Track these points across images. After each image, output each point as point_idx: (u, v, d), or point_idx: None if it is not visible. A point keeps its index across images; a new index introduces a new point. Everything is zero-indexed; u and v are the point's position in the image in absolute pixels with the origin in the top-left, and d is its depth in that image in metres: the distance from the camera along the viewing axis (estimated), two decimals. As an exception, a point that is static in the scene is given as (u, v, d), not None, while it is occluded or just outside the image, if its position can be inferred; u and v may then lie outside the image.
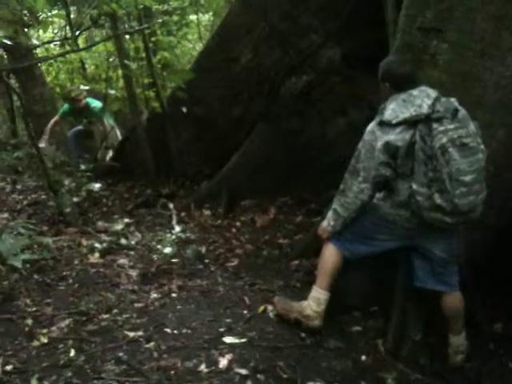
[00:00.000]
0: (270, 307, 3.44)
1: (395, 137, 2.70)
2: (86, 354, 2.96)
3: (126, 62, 5.87)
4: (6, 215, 5.56)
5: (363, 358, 2.97)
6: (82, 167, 5.75)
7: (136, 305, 3.55)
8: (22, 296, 3.69)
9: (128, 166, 6.39)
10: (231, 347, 3.01)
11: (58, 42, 9.12)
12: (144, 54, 6.30)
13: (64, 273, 4.09)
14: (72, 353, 2.97)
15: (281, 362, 2.87)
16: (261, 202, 5.40)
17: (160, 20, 7.82)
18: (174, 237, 4.44)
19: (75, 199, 5.39)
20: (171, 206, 5.55)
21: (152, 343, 3.06)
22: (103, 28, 8.36)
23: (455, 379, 2.85)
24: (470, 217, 2.68)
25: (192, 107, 5.85)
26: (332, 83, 5.29)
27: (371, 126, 2.83)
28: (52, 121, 7.09)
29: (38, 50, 9.20)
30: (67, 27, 9.09)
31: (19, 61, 7.58)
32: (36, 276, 4.03)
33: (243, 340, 3.08)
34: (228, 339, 3.09)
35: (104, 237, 4.73)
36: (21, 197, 6.30)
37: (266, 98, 5.62)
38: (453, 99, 2.72)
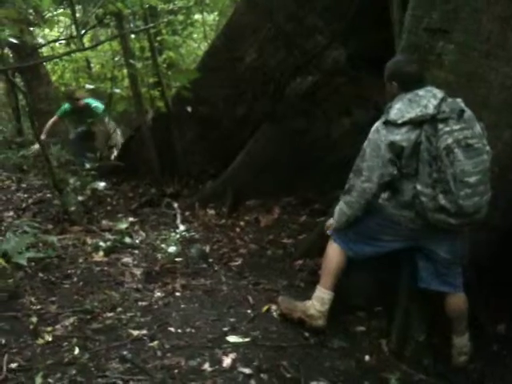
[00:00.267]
0: (273, 307, 3.44)
1: (400, 137, 2.70)
2: (90, 352, 2.97)
3: (131, 61, 5.88)
4: (11, 213, 5.59)
5: (367, 358, 2.97)
6: (87, 166, 5.75)
7: (140, 303, 3.56)
8: (27, 294, 3.70)
9: (133, 165, 6.40)
10: (235, 346, 3.01)
11: (64, 41, 9.18)
12: (149, 54, 6.32)
13: (69, 271, 4.11)
14: (76, 351, 2.98)
15: (284, 361, 2.87)
16: (265, 201, 5.41)
17: (165, 19, 7.84)
18: (178, 236, 4.45)
19: (80, 198, 5.40)
20: (175, 205, 5.56)
21: (156, 342, 3.07)
22: (109, 27, 8.39)
23: (458, 380, 2.85)
24: (474, 218, 2.67)
25: (197, 107, 5.86)
26: (337, 84, 5.29)
27: (376, 125, 2.82)
28: (50, 121, 7.08)
29: (44, 49, 9.23)
30: (73, 26, 9.14)
31: (25, 60, 7.61)
32: (41, 274, 4.05)
33: (247, 339, 3.08)
34: (232, 338, 3.10)
35: (108, 235, 4.74)
36: (26, 195, 6.32)
37: (271, 98, 5.62)
38: (459, 100, 2.72)
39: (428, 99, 2.68)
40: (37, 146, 6.30)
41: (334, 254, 3.12)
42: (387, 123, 2.75)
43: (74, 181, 5.46)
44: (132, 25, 7.47)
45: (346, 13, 5.16)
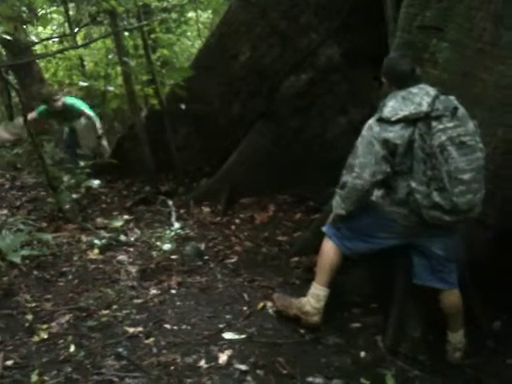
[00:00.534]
0: (269, 304, 3.45)
1: (394, 134, 2.70)
2: (85, 349, 2.98)
3: (124, 59, 5.87)
4: (5, 211, 5.57)
5: (362, 354, 2.98)
6: (81, 164, 5.74)
7: (135, 301, 3.56)
8: (22, 292, 3.70)
9: (127, 162, 6.39)
10: (231, 343, 3.02)
11: (57, 39, 9.14)
12: (143, 51, 6.30)
13: (64, 269, 4.11)
14: (72, 348, 2.99)
15: (280, 357, 2.88)
16: (260, 199, 5.42)
17: (159, 17, 7.83)
18: (173, 233, 4.46)
19: (74, 196, 5.40)
20: (170, 203, 5.56)
21: (152, 339, 3.08)
22: (102, 25, 8.37)
23: (454, 376, 2.86)
24: (468, 215, 2.68)
25: (191, 105, 5.85)
26: (332, 82, 5.30)
27: (370, 122, 2.83)
28: (29, 116, 6.88)
29: (37, 47, 9.20)
30: (66, 24, 9.12)
31: (18, 57, 7.58)
32: (36, 272, 4.05)
33: (243, 336, 3.10)
34: (227, 335, 3.11)
35: (103, 233, 4.74)
36: (20, 193, 6.31)
37: (266, 96, 5.63)
38: (452, 97, 2.72)
39: (421, 97, 2.68)
40: (20, 120, 6.15)
41: (329, 251, 3.13)
42: (381, 120, 2.76)
43: (68, 179, 5.44)
44: (126, 23, 7.45)
45: (341, 11, 5.18)
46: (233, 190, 5.44)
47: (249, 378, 2.71)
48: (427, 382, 2.77)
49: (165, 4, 8.55)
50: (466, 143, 2.60)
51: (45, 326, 3.23)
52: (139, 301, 3.57)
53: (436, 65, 3.18)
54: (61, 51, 7.63)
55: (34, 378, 2.68)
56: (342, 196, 2.96)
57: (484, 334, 3.15)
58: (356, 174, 2.82)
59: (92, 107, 6.94)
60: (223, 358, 2.87)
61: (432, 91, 2.71)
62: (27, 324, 3.26)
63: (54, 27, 10.43)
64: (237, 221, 5.11)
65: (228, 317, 3.34)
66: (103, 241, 4.52)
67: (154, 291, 3.72)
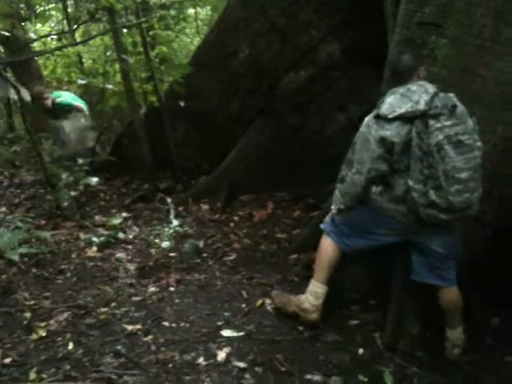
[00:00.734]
0: (267, 301, 3.45)
1: (391, 132, 2.68)
2: (84, 347, 2.98)
3: (123, 56, 5.85)
4: (3, 209, 5.58)
5: (360, 351, 2.98)
6: (80, 161, 5.73)
7: (134, 298, 3.56)
8: (21, 289, 3.70)
9: (126, 160, 6.39)
10: (229, 340, 3.03)
11: (56, 36, 9.12)
12: (142, 48, 6.29)
13: (62, 266, 4.11)
14: (70, 346, 2.99)
15: (279, 355, 2.89)
16: (259, 196, 5.42)
17: (158, 14, 7.81)
18: (171, 231, 4.45)
19: (73, 193, 5.39)
20: (169, 200, 5.55)
21: (150, 336, 3.08)
22: (101, 22, 8.35)
23: (452, 372, 2.86)
24: (465, 214, 2.66)
25: (190, 102, 5.84)
26: (331, 78, 5.29)
27: (368, 118, 2.82)
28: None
29: (35, 44, 9.17)
30: (65, 21, 9.11)
31: (16, 54, 7.55)
32: (34, 270, 4.05)
33: (241, 333, 3.10)
34: (226, 332, 3.11)
35: (102, 231, 4.73)
36: (18, 191, 6.31)
37: (265, 93, 5.62)
38: (451, 94, 2.70)
39: (420, 94, 2.65)
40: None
41: (327, 248, 3.13)
42: (378, 117, 2.75)
43: (66, 176, 5.43)
44: (124, 19, 7.44)
45: (341, 7, 5.17)
46: (231, 187, 5.43)
47: (247, 375, 2.71)
48: (425, 378, 2.77)
49: (163, 1, 8.52)
50: (464, 142, 2.58)
51: (43, 324, 3.23)
52: (138, 298, 3.57)
53: (435, 61, 3.17)
54: (59, 48, 7.62)
55: (33, 375, 2.68)
56: (341, 191, 2.97)
57: (482, 331, 3.15)
58: (355, 170, 2.82)
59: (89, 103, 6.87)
60: (222, 355, 2.87)
61: (431, 89, 2.69)
62: (25, 322, 3.26)
63: (53, 24, 10.41)
64: (235, 218, 5.11)
65: (226, 314, 3.35)
66: (101, 238, 4.52)
67: (152, 289, 3.72)
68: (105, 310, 3.40)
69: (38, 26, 9.50)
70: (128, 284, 3.78)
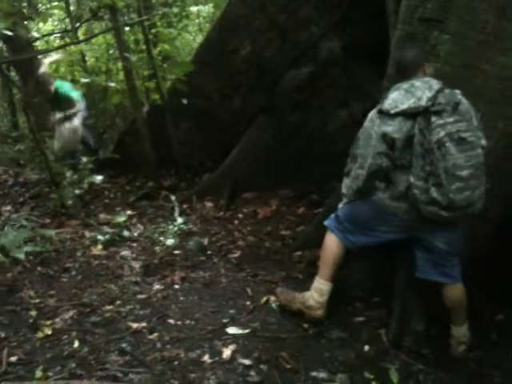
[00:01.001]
0: (272, 298, 3.46)
1: (392, 128, 2.68)
2: (89, 345, 2.99)
3: (125, 54, 5.85)
4: (8, 208, 5.59)
5: (366, 348, 2.98)
6: (84, 160, 5.74)
7: (139, 296, 3.57)
8: (26, 288, 3.72)
9: (129, 158, 6.39)
10: (234, 338, 3.03)
11: (58, 35, 9.13)
12: (144, 46, 6.29)
13: (67, 265, 4.13)
14: (76, 344, 3.00)
15: (284, 352, 2.89)
16: (263, 194, 5.41)
17: (160, 12, 7.80)
18: (176, 229, 4.46)
19: (77, 191, 5.41)
20: (173, 198, 5.55)
21: (155, 334, 3.09)
22: (103, 20, 8.34)
23: (457, 369, 2.86)
24: (467, 212, 2.64)
25: (192, 99, 5.84)
26: (332, 75, 5.28)
27: (371, 113, 2.81)
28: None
29: (38, 43, 9.17)
30: (67, 19, 9.11)
31: (19, 53, 7.56)
32: (39, 268, 4.07)
33: (246, 331, 3.10)
34: (231, 330, 3.12)
35: (106, 229, 4.75)
36: (23, 189, 6.33)
37: (266, 90, 5.61)
38: (457, 91, 2.68)
39: (423, 91, 2.64)
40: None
41: (331, 245, 3.12)
42: (381, 113, 2.74)
43: (70, 174, 5.45)
44: (126, 17, 7.44)
45: (341, 4, 5.16)
46: (235, 184, 5.43)
47: (252, 372, 2.71)
48: (431, 375, 2.76)
49: (165, -2, 8.54)
50: (466, 139, 2.56)
51: (48, 322, 3.25)
52: (143, 296, 3.58)
53: (437, 57, 3.16)
54: (62, 47, 7.62)
55: (38, 373, 2.69)
56: (346, 184, 3.00)
57: (487, 328, 3.14)
58: (358, 164, 2.84)
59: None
60: (227, 352, 2.88)
61: (436, 85, 2.67)
62: (31, 320, 3.27)
63: (56, 23, 10.42)
64: (240, 215, 5.11)
65: (231, 312, 3.35)
66: (106, 236, 4.53)
67: (157, 286, 3.73)
68: (110, 307, 3.41)
69: (41, 24, 9.51)
70: (133, 282, 3.79)
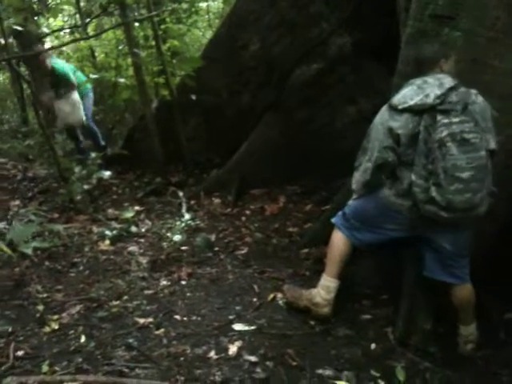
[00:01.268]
0: (279, 295, 3.45)
1: (399, 124, 2.65)
2: (96, 340, 3.00)
3: (135, 50, 5.86)
4: (17, 202, 5.62)
5: (373, 346, 2.97)
6: (92, 155, 5.76)
7: (146, 292, 3.58)
8: (33, 282, 3.73)
9: (138, 153, 6.41)
10: (241, 334, 3.03)
11: (68, 30, 9.15)
12: (153, 42, 6.29)
13: (75, 260, 4.14)
14: (82, 339, 3.01)
15: (290, 349, 2.88)
16: (270, 190, 5.41)
17: (169, 7, 7.81)
18: (183, 225, 4.46)
19: (86, 187, 5.42)
20: (181, 194, 5.56)
21: (162, 330, 3.09)
22: (113, 16, 8.36)
23: (465, 368, 2.84)
24: (469, 215, 2.59)
25: (201, 95, 5.84)
26: (342, 72, 5.26)
27: (384, 107, 2.79)
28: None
29: (48, 38, 9.20)
30: (77, 15, 9.13)
31: (29, 49, 7.58)
32: (47, 263, 4.08)
33: (252, 327, 3.10)
34: (237, 326, 3.11)
35: (114, 224, 4.76)
36: (32, 184, 6.35)
37: (275, 86, 5.60)
38: (473, 91, 2.63)
39: (432, 88, 2.60)
40: None
41: (338, 242, 3.11)
42: (390, 107, 2.72)
43: (79, 170, 5.47)
44: (136, 13, 7.45)
45: (351, 0, 5.12)
46: (243, 180, 5.43)
47: (258, 369, 2.71)
48: (438, 374, 2.74)
49: (175, -6, 8.53)
50: (469, 141, 2.49)
51: (56, 317, 3.26)
52: (149, 292, 3.58)
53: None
54: (72, 42, 7.63)
55: (45, 368, 2.70)
56: (355, 177, 2.98)
57: (495, 326, 3.12)
58: (368, 158, 2.83)
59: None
60: (233, 349, 2.88)
61: (448, 83, 2.62)
62: (38, 315, 3.29)
63: (65, 18, 10.45)
64: (247, 212, 5.11)
65: (238, 308, 3.35)
66: (114, 232, 4.54)
67: (164, 282, 3.73)
68: (117, 303, 3.41)
69: (51, 20, 9.53)
70: (140, 277, 3.80)
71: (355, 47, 5.21)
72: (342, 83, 5.32)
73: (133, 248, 4.33)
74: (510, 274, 3.08)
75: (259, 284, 3.67)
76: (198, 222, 4.75)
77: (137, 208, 5.29)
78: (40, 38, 7.61)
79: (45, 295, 3.54)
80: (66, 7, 9.36)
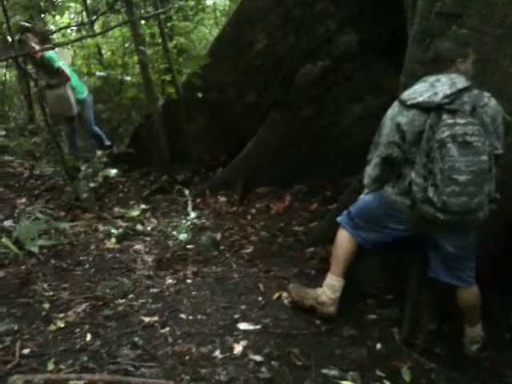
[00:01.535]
0: (284, 294, 3.44)
1: (405, 120, 2.63)
2: (101, 338, 3.00)
3: (141, 47, 5.86)
4: (23, 200, 5.63)
5: (378, 346, 2.96)
6: (99, 153, 5.76)
7: (151, 290, 3.58)
8: (39, 280, 3.74)
9: (144, 151, 6.41)
10: (246, 333, 3.02)
11: (75, 28, 9.17)
12: (160, 40, 6.29)
13: (81, 258, 4.15)
14: (88, 337, 3.01)
15: (295, 348, 2.88)
16: (276, 189, 5.39)
17: (176, 5, 7.80)
18: (189, 223, 4.46)
19: (92, 185, 5.44)
20: (187, 192, 5.56)
21: (167, 328, 3.09)
22: (119, 13, 8.36)
23: (470, 368, 2.83)
24: (466, 218, 2.56)
25: (207, 93, 5.84)
26: (348, 70, 5.24)
27: (396, 101, 2.77)
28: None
29: (55, 36, 9.22)
30: (84, 13, 9.14)
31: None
32: (53, 261, 4.09)
33: (258, 327, 3.09)
34: (243, 326, 3.11)
35: (120, 222, 4.77)
36: (38, 182, 6.37)
37: (281, 84, 5.58)
38: (486, 94, 2.61)
39: (443, 86, 2.57)
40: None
41: (344, 241, 3.11)
42: (400, 102, 2.71)
43: (85, 168, 5.49)
44: (142, 11, 7.45)
45: (358, -3, 5.10)
46: (248, 179, 5.42)
47: (263, 368, 2.70)
48: (443, 374, 2.74)
49: (182, -9, 8.51)
50: (471, 144, 2.45)
51: (61, 315, 3.26)
52: (155, 290, 3.59)
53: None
54: (78, 39, 7.65)
55: (51, 366, 2.71)
56: (366, 172, 2.98)
57: (500, 327, 3.11)
58: (378, 152, 2.82)
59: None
60: (238, 348, 2.87)
61: (461, 83, 2.58)
62: (44, 313, 3.30)
63: (72, 16, 10.46)
64: (252, 210, 5.10)
65: (243, 307, 3.34)
66: (120, 230, 4.55)
67: (169, 281, 3.73)
68: (122, 301, 3.42)
69: (58, 17, 9.55)
70: (145, 276, 3.80)
71: (361, 45, 5.18)
72: (348, 81, 5.29)
73: (138, 246, 4.34)
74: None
75: (264, 283, 3.66)
76: (203, 221, 4.74)
77: (143, 206, 5.30)
78: (47, 36, 7.62)
79: (51, 293, 3.55)
80: (72, 5, 9.36)
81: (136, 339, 2.97)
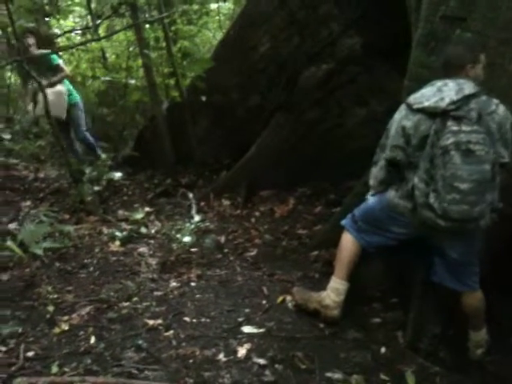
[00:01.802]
0: (288, 297, 3.44)
1: (410, 124, 2.63)
2: (105, 341, 3.00)
3: (145, 51, 5.87)
4: (28, 203, 5.65)
5: (382, 349, 2.95)
6: (103, 156, 5.78)
7: (155, 293, 3.58)
8: (44, 283, 3.75)
9: (148, 155, 6.43)
10: (250, 337, 3.02)
11: (79, 31, 9.19)
12: (164, 43, 6.30)
13: (85, 261, 4.16)
14: (92, 340, 3.02)
15: (299, 352, 2.87)
16: (280, 192, 5.39)
17: (180, 9, 7.81)
18: (193, 226, 4.46)
19: (96, 188, 5.45)
20: (191, 195, 5.57)
21: (171, 331, 3.09)
22: (124, 17, 8.38)
23: (475, 372, 2.82)
24: (466, 226, 2.55)
25: (211, 96, 5.84)
26: (352, 73, 5.24)
27: (403, 104, 2.76)
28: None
29: (59, 39, 9.25)
30: (88, 16, 9.16)
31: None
32: (57, 264, 4.10)
33: (262, 330, 3.09)
34: (246, 329, 3.11)
35: (124, 225, 4.78)
36: (43, 185, 6.39)
37: (285, 87, 5.59)
38: (495, 101, 2.58)
39: (450, 92, 2.54)
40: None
41: (348, 244, 3.11)
42: (407, 105, 2.70)
43: (90, 171, 5.50)
44: (147, 15, 7.46)
45: (362, 0, 5.10)
46: (252, 182, 5.42)
47: (267, 372, 2.70)
48: (447, 378, 2.73)
49: (186, -5, 8.53)
50: (475, 152, 2.42)
51: (66, 318, 3.27)
52: (159, 293, 3.59)
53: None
54: (83, 43, 7.67)
55: (55, 369, 2.71)
56: (373, 173, 2.97)
57: (505, 331, 3.10)
58: (384, 155, 2.82)
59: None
60: (242, 351, 2.87)
61: (469, 89, 2.55)
62: (48, 315, 3.30)
63: (77, 19, 10.49)
64: (256, 214, 5.10)
65: (247, 310, 3.34)
66: (124, 233, 4.56)
67: (173, 284, 3.73)
68: (127, 304, 3.42)
69: (62, 21, 9.58)
70: (150, 279, 3.81)
71: (365, 48, 5.18)
72: (352, 84, 5.29)
73: (143, 249, 4.35)
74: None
75: (268, 286, 3.66)
76: (207, 224, 4.75)
77: (147, 209, 5.31)
78: (51, 39, 7.65)
79: (55, 296, 3.55)
80: (77, 8, 9.40)
81: (140, 342, 2.97)
